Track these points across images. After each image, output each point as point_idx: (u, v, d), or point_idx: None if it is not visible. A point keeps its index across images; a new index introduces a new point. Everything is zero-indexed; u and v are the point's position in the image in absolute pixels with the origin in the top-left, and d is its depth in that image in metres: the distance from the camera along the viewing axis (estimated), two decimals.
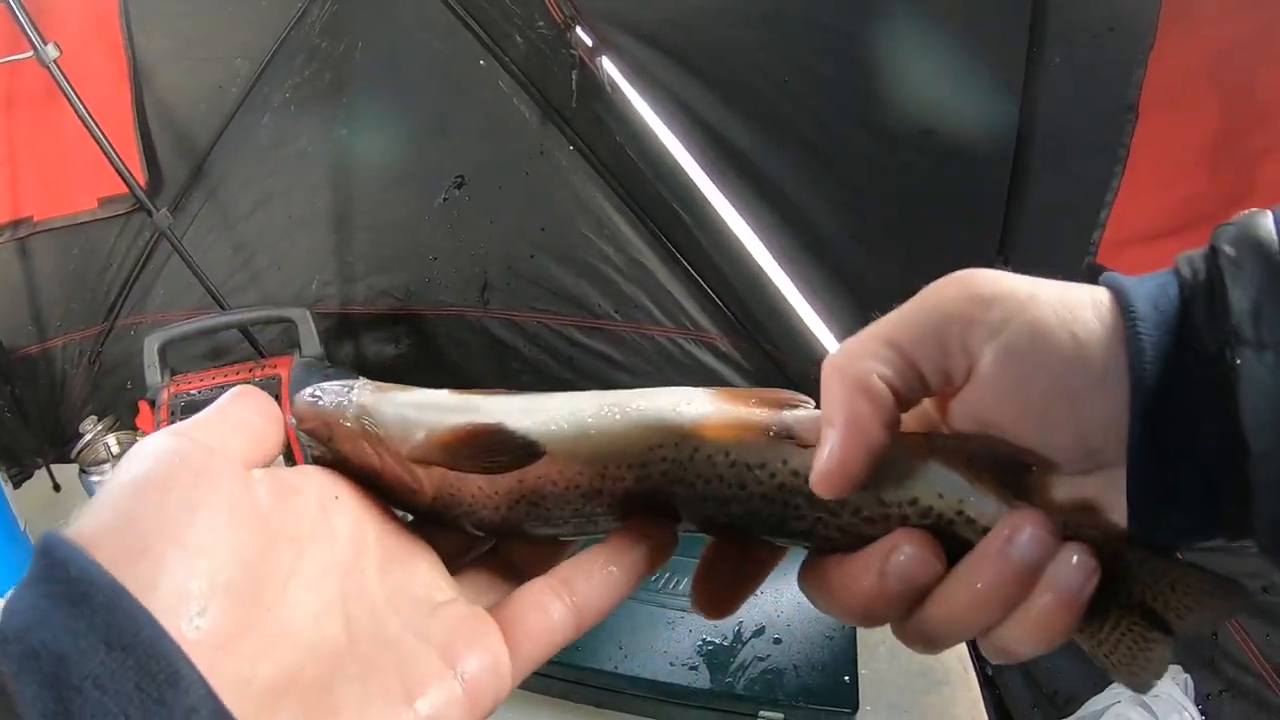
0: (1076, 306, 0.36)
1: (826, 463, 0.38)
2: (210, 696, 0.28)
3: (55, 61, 1.96)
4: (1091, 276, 1.14)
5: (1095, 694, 1.45)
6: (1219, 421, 0.32)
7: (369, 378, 1.83)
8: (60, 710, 0.25)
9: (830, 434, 0.38)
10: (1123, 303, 0.36)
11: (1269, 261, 0.33)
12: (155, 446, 0.36)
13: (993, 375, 0.37)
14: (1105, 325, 0.36)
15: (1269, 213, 0.35)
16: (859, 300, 1.88)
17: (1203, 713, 1.35)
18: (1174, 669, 1.43)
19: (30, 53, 1.93)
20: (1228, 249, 0.34)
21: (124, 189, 2.11)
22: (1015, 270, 1.25)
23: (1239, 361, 0.32)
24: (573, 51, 1.96)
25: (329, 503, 0.41)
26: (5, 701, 0.25)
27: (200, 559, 0.31)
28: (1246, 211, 0.36)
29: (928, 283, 1.45)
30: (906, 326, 0.39)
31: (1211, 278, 0.34)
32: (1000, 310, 0.37)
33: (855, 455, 0.38)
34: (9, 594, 0.29)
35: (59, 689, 0.26)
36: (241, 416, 0.40)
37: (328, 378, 1.76)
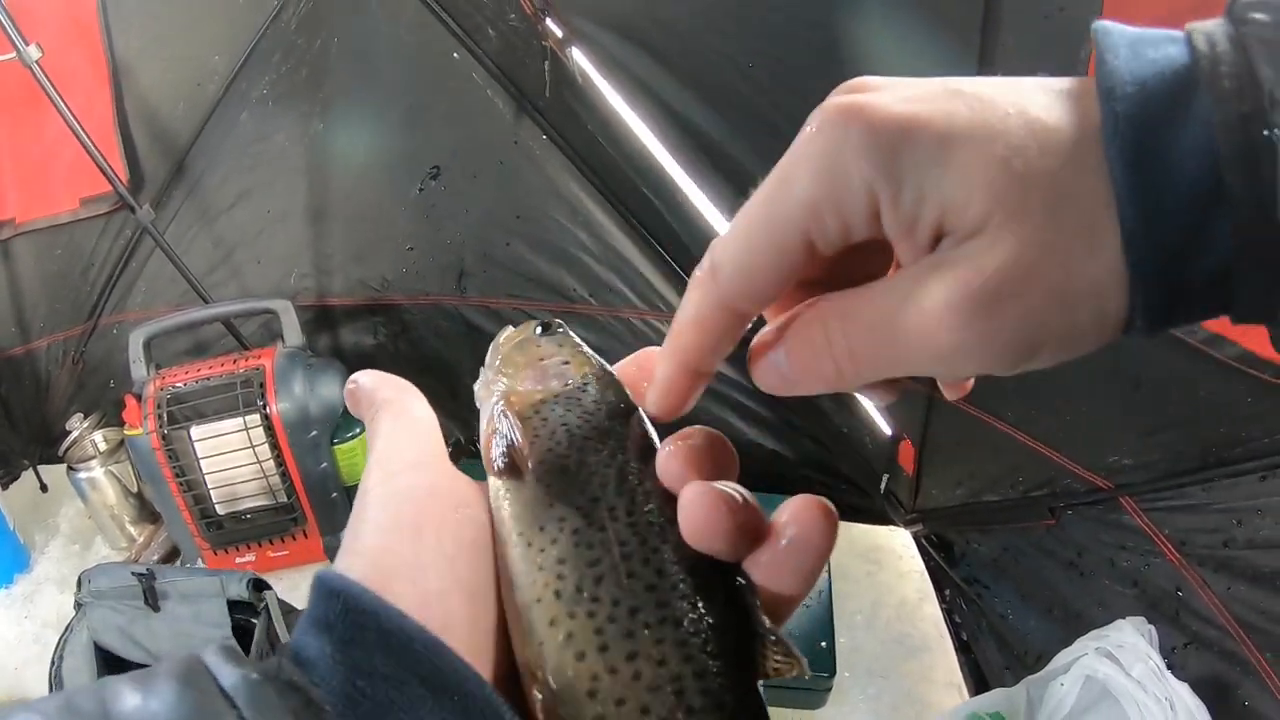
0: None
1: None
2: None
3: (37, 62, 1.98)
4: None
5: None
6: (1245, 204, 0.27)
7: (349, 367, 1.85)
8: None
9: None
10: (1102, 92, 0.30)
11: None
12: (412, 489, 0.37)
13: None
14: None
15: None
16: None
17: (1169, 666, 1.39)
18: (1138, 620, 1.47)
19: (13, 54, 1.96)
20: (1260, 16, 0.29)
21: (105, 188, 2.14)
22: None
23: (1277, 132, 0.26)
24: (544, 43, 2.00)
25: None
26: None
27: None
28: None
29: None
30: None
31: (1238, 51, 0.28)
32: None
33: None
34: (298, 637, 0.31)
35: None
36: (419, 423, 0.42)
37: (310, 368, 1.80)
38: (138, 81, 2.23)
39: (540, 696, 0.31)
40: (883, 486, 2.18)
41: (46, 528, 2.44)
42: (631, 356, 0.45)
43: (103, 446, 2.30)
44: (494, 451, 0.38)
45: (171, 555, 2.26)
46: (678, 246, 2.13)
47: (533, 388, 0.41)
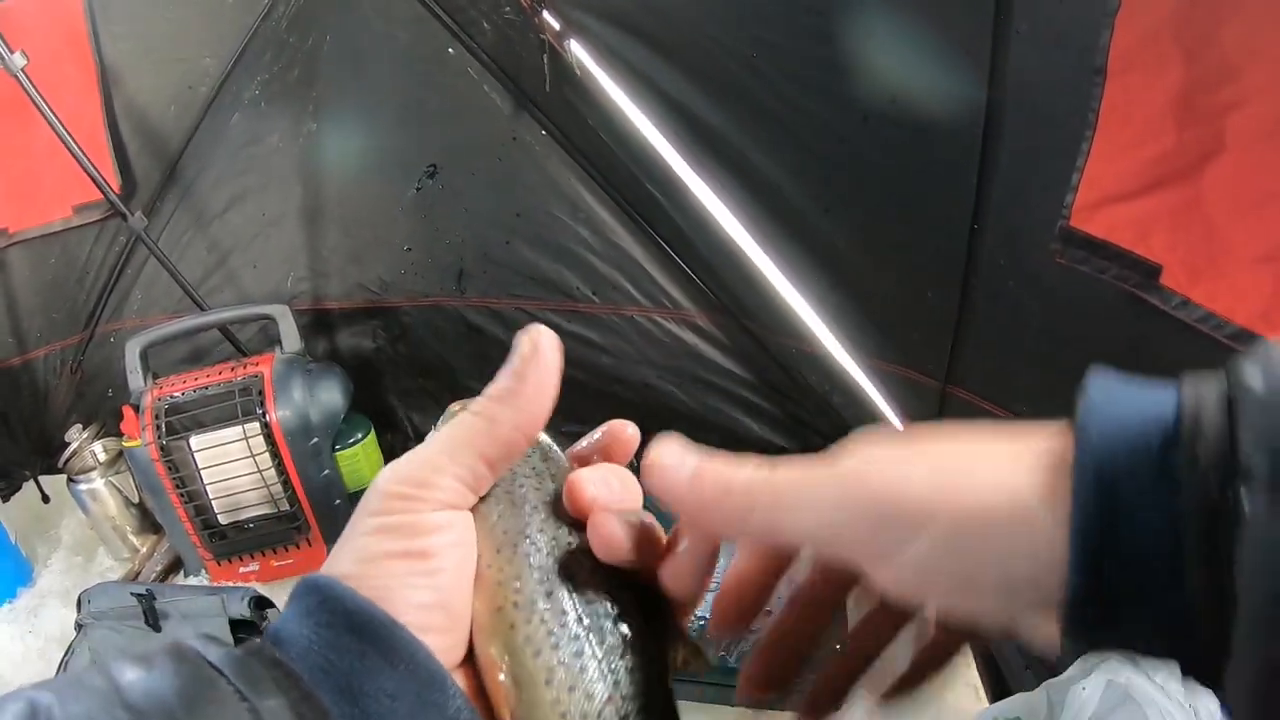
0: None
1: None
2: (467, 701, 0.35)
3: (23, 70, 1.95)
4: (1065, 240, 1.14)
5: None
6: (1201, 574, 0.28)
7: (347, 372, 1.81)
8: (358, 713, 0.32)
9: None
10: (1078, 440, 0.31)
11: None
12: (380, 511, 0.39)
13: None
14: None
15: None
16: (833, 272, 1.89)
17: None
18: None
19: None
20: (1254, 384, 0.29)
21: (99, 195, 2.11)
22: (989, 237, 1.25)
23: (1246, 507, 0.27)
24: (541, 36, 1.96)
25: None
26: (312, 703, 0.32)
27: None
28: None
29: (899, 252, 1.44)
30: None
31: (1225, 413, 0.29)
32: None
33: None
34: (278, 624, 0.36)
35: (354, 696, 0.32)
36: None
37: (309, 374, 1.77)
38: (128, 86, 2.20)
39: (505, 682, 0.36)
40: None
41: (49, 540, 2.42)
42: (600, 430, 0.46)
43: (103, 457, 2.28)
44: None
45: (174, 566, 2.23)
46: (682, 241, 2.08)
47: None
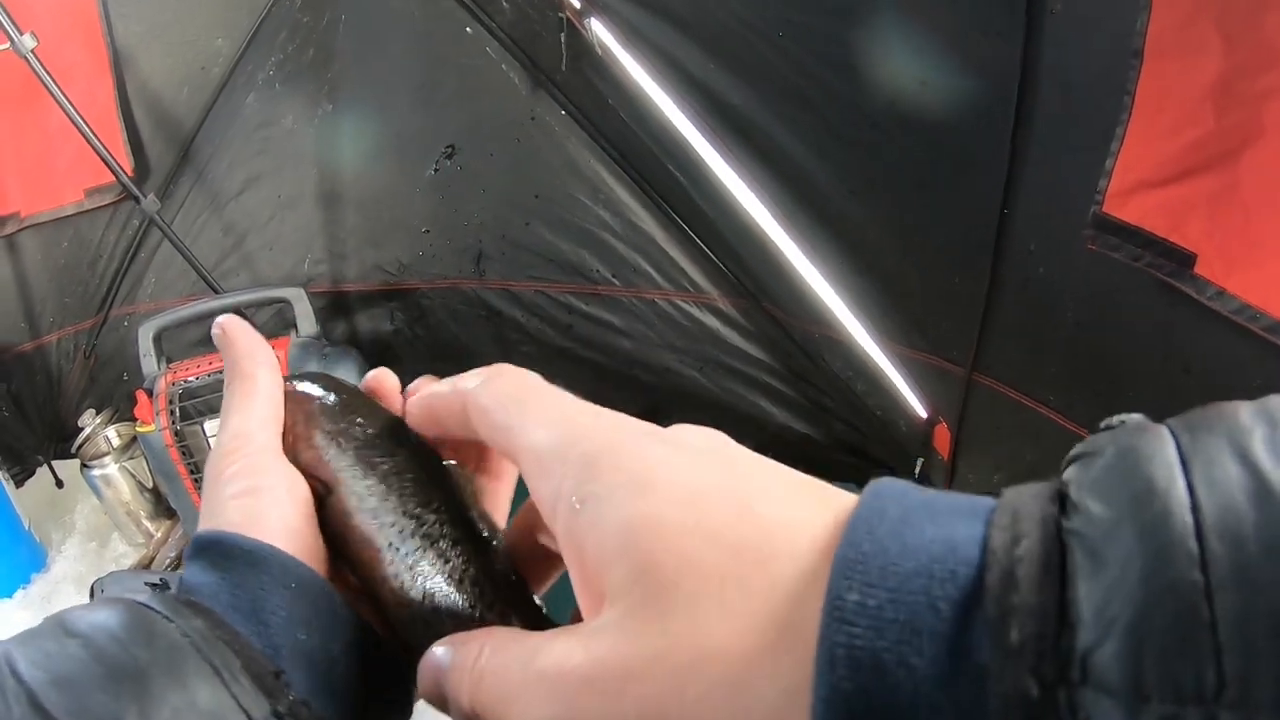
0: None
1: None
2: (346, 605, 0.38)
3: (33, 52, 1.93)
4: (1097, 226, 1.11)
5: None
6: None
7: (364, 356, 1.80)
8: (263, 629, 0.36)
9: None
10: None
11: (1170, 551, 0.18)
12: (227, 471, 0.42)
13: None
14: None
15: (1166, 435, 0.22)
16: (859, 256, 1.86)
17: None
18: None
19: (7, 44, 1.90)
20: (1094, 507, 0.20)
21: (111, 178, 2.08)
22: (1019, 223, 1.22)
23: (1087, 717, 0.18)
24: (561, 14, 1.93)
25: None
26: (225, 628, 0.35)
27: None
28: (1130, 420, 0.23)
29: (927, 237, 1.40)
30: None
31: (1050, 558, 0.20)
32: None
33: None
34: (186, 575, 0.39)
35: (258, 615, 0.36)
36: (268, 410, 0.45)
37: (325, 358, 1.73)
38: (140, 68, 2.17)
39: (388, 582, 0.39)
40: (916, 471, 2.12)
41: (63, 525, 2.42)
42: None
43: (116, 442, 2.26)
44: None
45: None
46: (704, 224, 2.06)
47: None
